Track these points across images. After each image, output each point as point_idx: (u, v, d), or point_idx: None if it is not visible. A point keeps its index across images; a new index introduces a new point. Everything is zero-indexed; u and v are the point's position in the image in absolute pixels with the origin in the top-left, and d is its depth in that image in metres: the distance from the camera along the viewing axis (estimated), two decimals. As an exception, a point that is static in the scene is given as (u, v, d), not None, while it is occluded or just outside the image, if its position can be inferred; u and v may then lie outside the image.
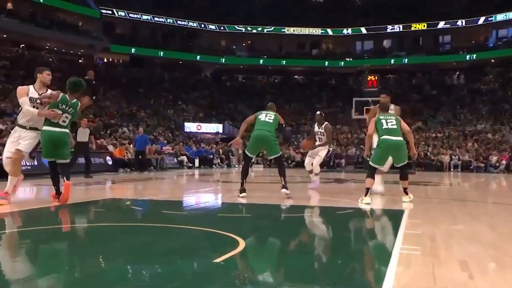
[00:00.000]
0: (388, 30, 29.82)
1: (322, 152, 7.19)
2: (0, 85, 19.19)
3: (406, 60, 29.03)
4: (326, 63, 30.72)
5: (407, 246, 2.79)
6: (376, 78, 28.84)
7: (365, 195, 5.03)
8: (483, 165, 17.97)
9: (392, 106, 5.92)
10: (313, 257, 2.82)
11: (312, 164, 7.43)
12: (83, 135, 9.27)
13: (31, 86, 4.42)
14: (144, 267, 2.35)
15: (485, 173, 17.45)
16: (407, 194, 5.34)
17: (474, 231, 3.48)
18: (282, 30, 29.95)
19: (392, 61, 29.45)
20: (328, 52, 31.67)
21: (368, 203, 4.96)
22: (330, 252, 3.09)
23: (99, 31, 26.66)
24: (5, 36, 23.43)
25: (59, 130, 4.27)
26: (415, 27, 29.20)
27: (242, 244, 2.91)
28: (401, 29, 29.42)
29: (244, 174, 5.60)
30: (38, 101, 4.27)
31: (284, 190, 5.45)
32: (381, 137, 5.14)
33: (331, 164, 20.60)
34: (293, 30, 30.23)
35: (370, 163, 5.24)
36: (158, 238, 3.36)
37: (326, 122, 6.95)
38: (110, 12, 26.87)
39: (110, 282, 2.05)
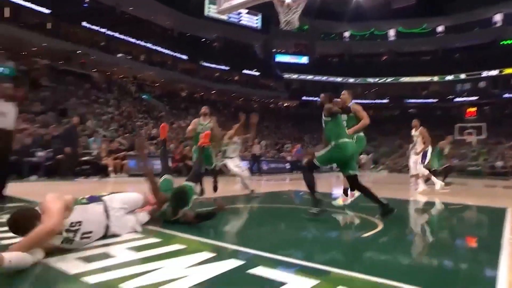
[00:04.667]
0: (483, 75, 36.82)
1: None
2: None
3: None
4: (434, 100, 39.18)
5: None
6: (474, 109, 37.04)
7: (345, 195, 4.95)
8: None
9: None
10: (437, 239, 3.22)
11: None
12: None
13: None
14: (314, 239, 2.97)
15: None
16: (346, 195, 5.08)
17: None
18: (400, 79, 39.89)
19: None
20: (434, 92, 40.15)
21: (338, 203, 4.93)
22: (447, 234, 3.48)
23: (282, 87, 41.51)
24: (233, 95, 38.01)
25: None
26: (507, 72, 35.36)
27: (380, 225, 3.52)
28: (494, 74, 35.79)
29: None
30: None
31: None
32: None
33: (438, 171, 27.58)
34: (408, 79, 39.59)
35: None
36: (323, 217, 3.88)
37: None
38: (288, 75, 40.82)
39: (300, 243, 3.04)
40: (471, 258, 2.68)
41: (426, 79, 39.44)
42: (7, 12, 23.94)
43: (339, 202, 4.96)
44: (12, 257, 1.86)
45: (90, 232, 2.46)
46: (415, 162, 8.35)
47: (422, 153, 8.27)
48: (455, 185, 10.98)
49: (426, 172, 8.30)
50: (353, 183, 4.13)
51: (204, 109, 5.90)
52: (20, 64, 22.62)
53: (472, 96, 37.57)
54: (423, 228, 4.03)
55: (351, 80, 41.56)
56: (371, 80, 41.08)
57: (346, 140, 4.02)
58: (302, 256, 2.47)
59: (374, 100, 41.68)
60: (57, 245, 2.23)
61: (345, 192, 5.05)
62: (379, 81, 40.99)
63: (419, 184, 8.25)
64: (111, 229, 2.70)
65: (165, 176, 3.85)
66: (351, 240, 3.13)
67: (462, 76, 38.03)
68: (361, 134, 5.06)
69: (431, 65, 39.44)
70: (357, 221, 4.25)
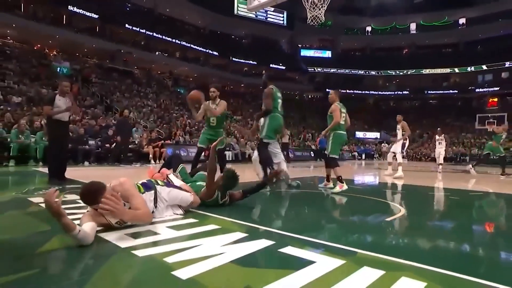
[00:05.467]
0: (506, 65, 34.54)
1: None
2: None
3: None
4: (454, 91, 37.33)
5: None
6: (496, 100, 35.14)
7: (341, 182, 4.84)
8: None
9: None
10: (461, 224, 3.06)
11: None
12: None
13: None
14: (339, 222, 2.90)
15: None
16: (328, 181, 5.25)
17: None
18: (421, 71, 38.25)
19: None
20: (455, 84, 38.33)
21: (331, 188, 4.96)
22: (472, 220, 3.30)
23: (306, 80, 41.38)
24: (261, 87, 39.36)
25: None
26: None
27: (403, 210, 3.48)
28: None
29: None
30: None
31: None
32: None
33: (458, 160, 24.12)
34: (429, 71, 37.96)
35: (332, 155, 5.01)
36: (347, 202, 4.03)
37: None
38: (312, 69, 40.42)
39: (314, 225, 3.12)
40: (494, 244, 2.57)
41: (447, 70, 37.78)
42: (63, 19, 25.12)
43: (337, 189, 4.85)
44: (82, 231, 1.98)
45: None
46: (394, 151, 8.73)
47: (402, 143, 8.64)
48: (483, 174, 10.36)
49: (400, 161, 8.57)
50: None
51: (214, 90, 5.09)
52: (74, 64, 23.65)
53: (494, 86, 35.56)
54: (447, 214, 3.90)
55: (373, 72, 40.38)
56: (392, 72, 39.60)
57: None
58: (329, 237, 2.45)
59: (395, 91, 40.36)
60: (112, 223, 2.34)
61: (339, 180, 4.93)
62: (400, 74, 39.39)
63: (391, 169, 8.75)
64: (154, 215, 2.77)
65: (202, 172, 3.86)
66: (375, 224, 3.06)
67: (484, 67, 35.90)
68: (339, 131, 5.15)
69: (452, 57, 37.75)
70: (380, 206, 4.15)
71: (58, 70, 21.50)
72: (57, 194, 1.92)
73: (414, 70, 38.50)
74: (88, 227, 2.07)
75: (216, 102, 5.11)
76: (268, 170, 4.45)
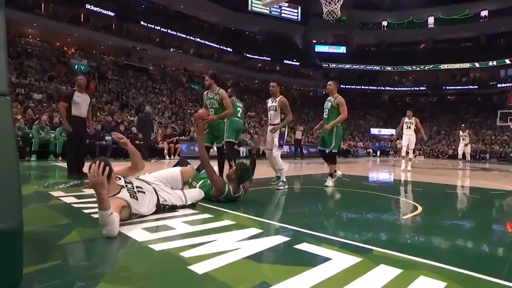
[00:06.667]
0: None
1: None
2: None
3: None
4: (474, 87, 35.86)
5: None
6: None
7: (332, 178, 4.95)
8: None
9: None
10: (479, 223, 2.97)
11: None
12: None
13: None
14: (355, 219, 2.86)
15: None
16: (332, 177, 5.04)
17: None
18: (439, 66, 37.07)
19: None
20: (475, 79, 36.95)
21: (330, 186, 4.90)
22: (490, 219, 3.17)
23: (321, 76, 40.98)
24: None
25: None
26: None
27: (420, 208, 3.37)
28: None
29: None
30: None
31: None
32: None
33: (477, 157, 22.44)
34: (447, 66, 36.64)
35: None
36: (362, 199, 4.02)
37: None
38: (327, 65, 39.70)
39: (343, 223, 2.82)
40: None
41: (467, 65, 36.16)
42: (81, 17, 25.71)
43: (329, 183, 5.01)
44: (113, 215, 2.06)
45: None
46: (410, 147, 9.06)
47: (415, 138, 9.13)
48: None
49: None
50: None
51: (207, 79, 4.68)
52: (91, 61, 24.14)
53: (517, 81, 34.06)
54: (467, 212, 3.81)
55: (388, 68, 39.42)
56: (408, 68, 38.57)
57: None
58: (344, 234, 2.42)
59: (411, 87, 39.40)
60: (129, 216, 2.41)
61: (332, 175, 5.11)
62: (417, 69, 38.34)
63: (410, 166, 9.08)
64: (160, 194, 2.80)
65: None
66: (392, 221, 3.04)
67: (507, 61, 34.23)
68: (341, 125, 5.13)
69: (472, 51, 36.19)
70: (397, 203, 4.09)
71: (76, 68, 21.98)
72: (103, 168, 2.01)
73: (432, 65, 37.39)
74: (117, 217, 2.11)
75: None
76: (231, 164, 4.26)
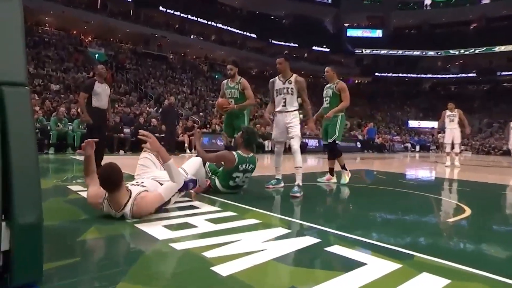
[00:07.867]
0: None
1: None
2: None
3: None
4: None
5: None
6: None
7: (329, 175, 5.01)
8: None
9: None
10: None
11: None
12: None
13: None
14: (393, 221, 2.78)
15: None
16: (332, 175, 5.07)
17: None
18: (493, 49, 35.02)
19: None
20: None
21: (335, 182, 4.93)
22: None
23: (353, 63, 40.18)
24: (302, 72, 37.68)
25: None
26: None
27: (468, 211, 3.25)
28: None
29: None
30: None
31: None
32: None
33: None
34: (504, 48, 34.39)
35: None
36: (400, 199, 3.96)
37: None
38: (360, 51, 39.16)
39: (377, 224, 2.50)
40: None
41: (526, 47, 34.33)
42: (98, 3, 26.48)
43: (346, 179, 4.94)
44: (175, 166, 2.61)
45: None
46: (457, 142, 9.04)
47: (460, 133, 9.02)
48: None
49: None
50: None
51: (231, 68, 4.59)
52: (108, 50, 24.88)
53: None
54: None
55: (431, 53, 38.23)
56: (455, 52, 37.06)
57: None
58: (380, 237, 2.36)
59: (458, 74, 37.93)
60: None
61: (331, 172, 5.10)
62: (465, 53, 36.68)
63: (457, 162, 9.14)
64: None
65: None
66: (435, 224, 2.94)
67: None
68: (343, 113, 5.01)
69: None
70: (440, 204, 3.96)
71: (95, 57, 22.74)
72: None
73: (484, 48, 35.63)
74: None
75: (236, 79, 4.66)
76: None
